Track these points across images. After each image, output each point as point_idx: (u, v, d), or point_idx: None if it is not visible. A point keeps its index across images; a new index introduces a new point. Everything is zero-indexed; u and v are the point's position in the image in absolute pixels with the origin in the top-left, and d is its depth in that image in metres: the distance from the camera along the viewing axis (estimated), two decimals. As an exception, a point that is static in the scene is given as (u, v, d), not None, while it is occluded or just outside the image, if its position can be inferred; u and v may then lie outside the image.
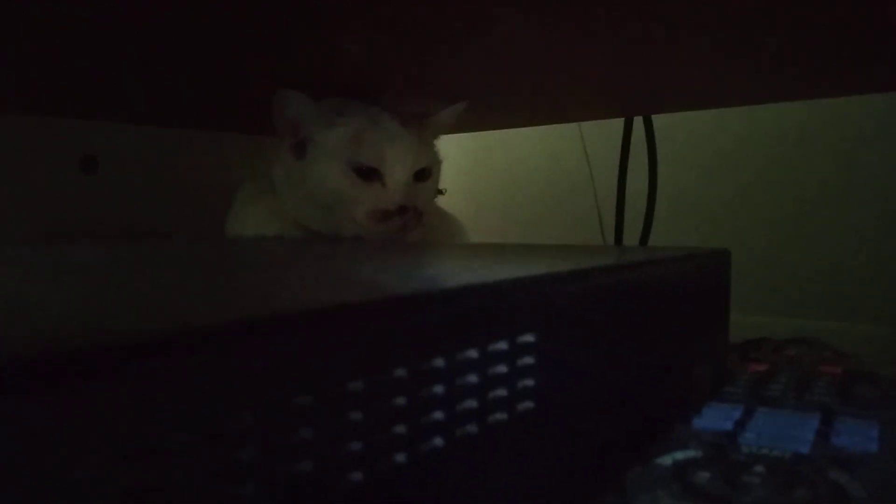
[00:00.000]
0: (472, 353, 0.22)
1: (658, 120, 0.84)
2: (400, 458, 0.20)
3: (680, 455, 0.24)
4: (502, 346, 0.23)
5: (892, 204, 0.82)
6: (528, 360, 0.24)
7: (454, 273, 0.28)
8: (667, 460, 0.23)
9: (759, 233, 0.90)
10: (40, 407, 0.12)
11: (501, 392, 0.23)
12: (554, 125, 0.94)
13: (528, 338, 0.24)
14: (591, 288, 0.28)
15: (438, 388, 0.21)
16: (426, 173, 0.63)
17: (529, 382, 0.24)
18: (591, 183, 1.01)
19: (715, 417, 0.28)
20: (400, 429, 0.20)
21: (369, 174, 0.59)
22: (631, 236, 0.89)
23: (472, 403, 0.22)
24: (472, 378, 0.22)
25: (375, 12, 0.45)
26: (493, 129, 0.96)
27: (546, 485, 0.26)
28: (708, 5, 0.43)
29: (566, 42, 0.52)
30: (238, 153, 0.89)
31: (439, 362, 0.21)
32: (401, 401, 0.19)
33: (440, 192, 0.70)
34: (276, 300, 0.21)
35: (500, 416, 0.23)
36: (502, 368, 0.23)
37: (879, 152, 0.83)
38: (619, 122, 0.87)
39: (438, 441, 0.21)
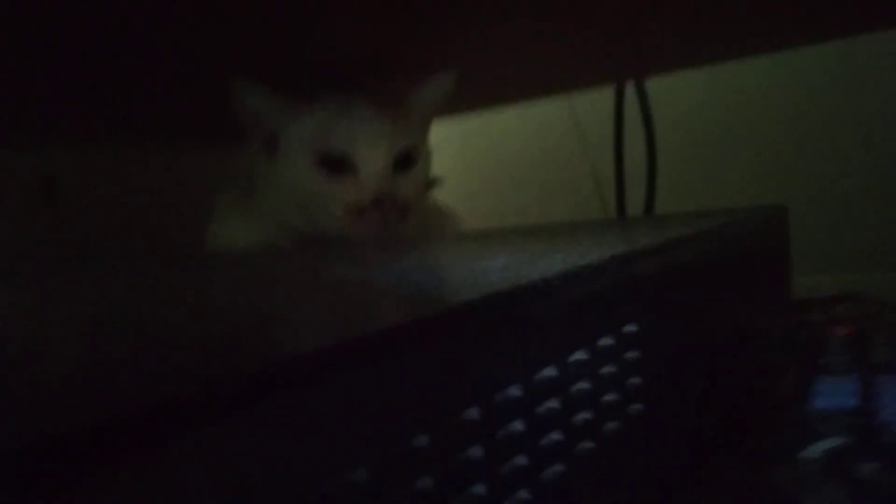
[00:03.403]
0: (582, 355, 0.18)
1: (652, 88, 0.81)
2: (523, 494, 0.16)
3: (827, 445, 0.20)
4: (608, 341, 0.19)
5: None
6: (634, 353, 0.20)
7: (532, 262, 0.23)
8: (814, 452, 0.20)
9: (766, 189, 0.88)
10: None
11: (613, 396, 0.19)
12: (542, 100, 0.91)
13: (632, 328, 0.20)
14: (680, 262, 0.24)
15: (553, 403, 0.17)
16: (409, 160, 0.55)
17: (637, 381, 0.21)
18: (584, 156, 0.97)
19: (833, 395, 0.25)
20: (520, 460, 0.16)
21: (342, 166, 0.53)
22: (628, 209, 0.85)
23: (586, 415, 0.18)
24: (585, 385, 0.18)
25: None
26: (480, 108, 0.92)
27: (654, 488, 0.22)
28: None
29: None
30: (210, 171, 0.84)
31: (551, 371, 0.17)
32: (518, 425, 0.16)
33: (434, 181, 0.64)
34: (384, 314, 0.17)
35: (613, 424, 0.19)
36: (611, 368, 0.19)
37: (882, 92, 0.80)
38: (609, 93, 0.84)
39: (558, 467, 0.17)
